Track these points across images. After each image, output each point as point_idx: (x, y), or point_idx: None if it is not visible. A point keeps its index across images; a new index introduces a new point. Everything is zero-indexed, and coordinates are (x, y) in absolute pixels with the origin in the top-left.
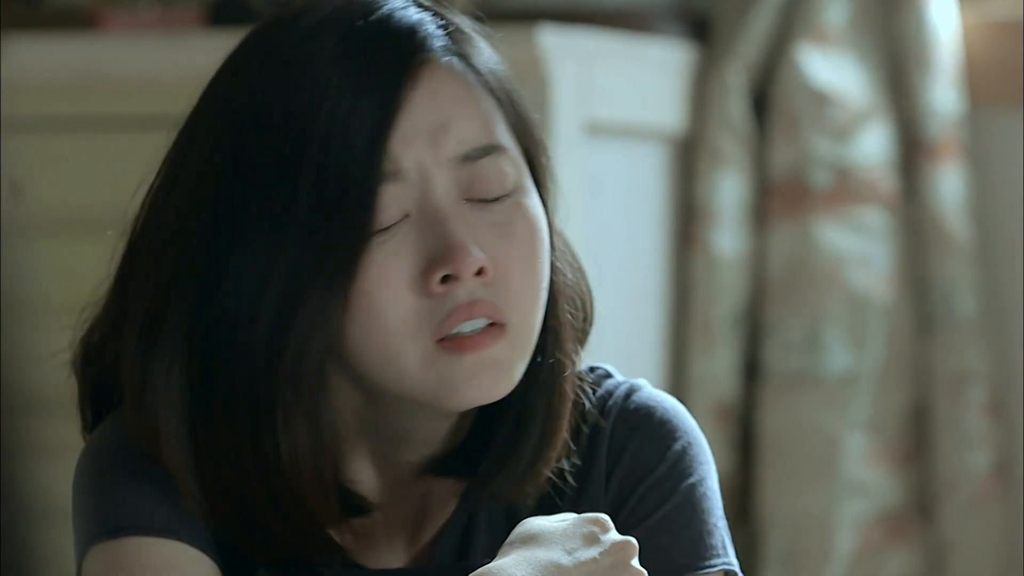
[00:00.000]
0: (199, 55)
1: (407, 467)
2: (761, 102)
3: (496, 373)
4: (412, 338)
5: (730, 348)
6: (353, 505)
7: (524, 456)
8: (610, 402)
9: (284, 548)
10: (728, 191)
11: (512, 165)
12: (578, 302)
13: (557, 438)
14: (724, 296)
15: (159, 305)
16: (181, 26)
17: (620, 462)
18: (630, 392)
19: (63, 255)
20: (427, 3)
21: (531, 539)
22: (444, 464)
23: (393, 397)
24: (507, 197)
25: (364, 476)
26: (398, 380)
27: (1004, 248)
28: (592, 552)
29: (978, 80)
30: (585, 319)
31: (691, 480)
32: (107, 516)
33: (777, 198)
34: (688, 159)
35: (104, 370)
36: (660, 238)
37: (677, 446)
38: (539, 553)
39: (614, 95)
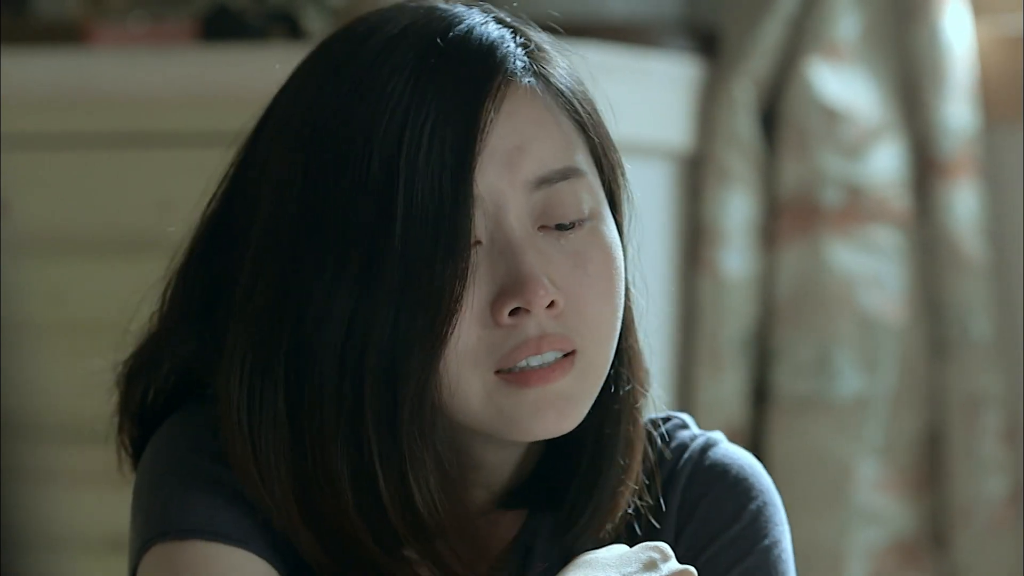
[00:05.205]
0: (191, 69)
1: (474, 499)
2: (770, 118)
3: (563, 407)
4: (474, 369)
5: (738, 371)
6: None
7: (604, 488)
8: (685, 455)
9: (363, 571)
10: (736, 210)
11: (589, 191)
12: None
13: (634, 469)
14: (732, 318)
15: (258, 332)
16: (172, 40)
17: (693, 518)
18: (706, 447)
19: (52, 274)
20: (507, 18)
21: (587, 563)
22: (512, 496)
23: (460, 427)
24: (583, 224)
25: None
26: (462, 410)
27: (1020, 268)
28: None
29: (993, 96)
30: None
31: (766, 542)
32: (174, 516)
33: (786, 217)
34: (695, 177)
35: (157, 380)
36: (666, 258)
37: (753, 506)
38: (594, 574)
39: (619, 111)
